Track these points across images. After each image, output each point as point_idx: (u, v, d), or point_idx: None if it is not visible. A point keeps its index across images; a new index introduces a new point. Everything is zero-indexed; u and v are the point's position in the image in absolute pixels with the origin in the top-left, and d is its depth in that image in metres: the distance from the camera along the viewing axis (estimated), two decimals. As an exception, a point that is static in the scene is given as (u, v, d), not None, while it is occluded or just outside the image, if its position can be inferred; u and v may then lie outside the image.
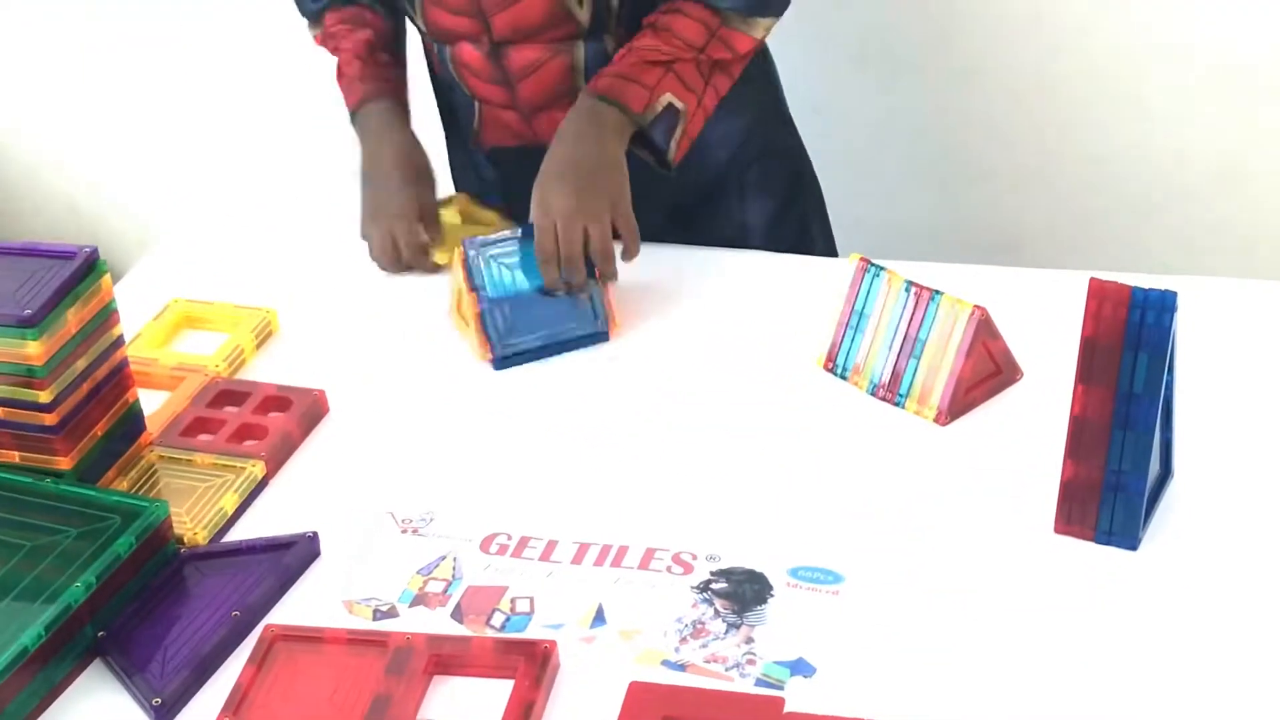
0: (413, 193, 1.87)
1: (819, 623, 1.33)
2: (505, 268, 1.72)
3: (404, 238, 1.86)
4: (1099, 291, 1.35)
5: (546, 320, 1.72)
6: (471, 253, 1.71)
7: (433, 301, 1.83)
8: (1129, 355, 1.35)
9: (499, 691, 1.28)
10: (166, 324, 1.80)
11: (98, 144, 2.94)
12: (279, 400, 1.65)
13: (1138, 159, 2.37)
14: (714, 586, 1.38)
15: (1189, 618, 1.31)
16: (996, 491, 1.46)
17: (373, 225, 1.88)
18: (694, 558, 1.41)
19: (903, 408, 1.58)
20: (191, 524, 1.48)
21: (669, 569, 1.40)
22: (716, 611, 1.35)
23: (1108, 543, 1.39)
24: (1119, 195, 2.41)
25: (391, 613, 1.38)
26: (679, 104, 1.75)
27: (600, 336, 1.73)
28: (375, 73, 1.91)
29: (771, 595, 1.36)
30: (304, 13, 1.99)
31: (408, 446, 1.60)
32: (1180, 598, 1.33)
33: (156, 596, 1.40)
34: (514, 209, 1.89)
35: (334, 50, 1.94)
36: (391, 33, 1.95)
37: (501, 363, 1.70)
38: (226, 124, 2.83)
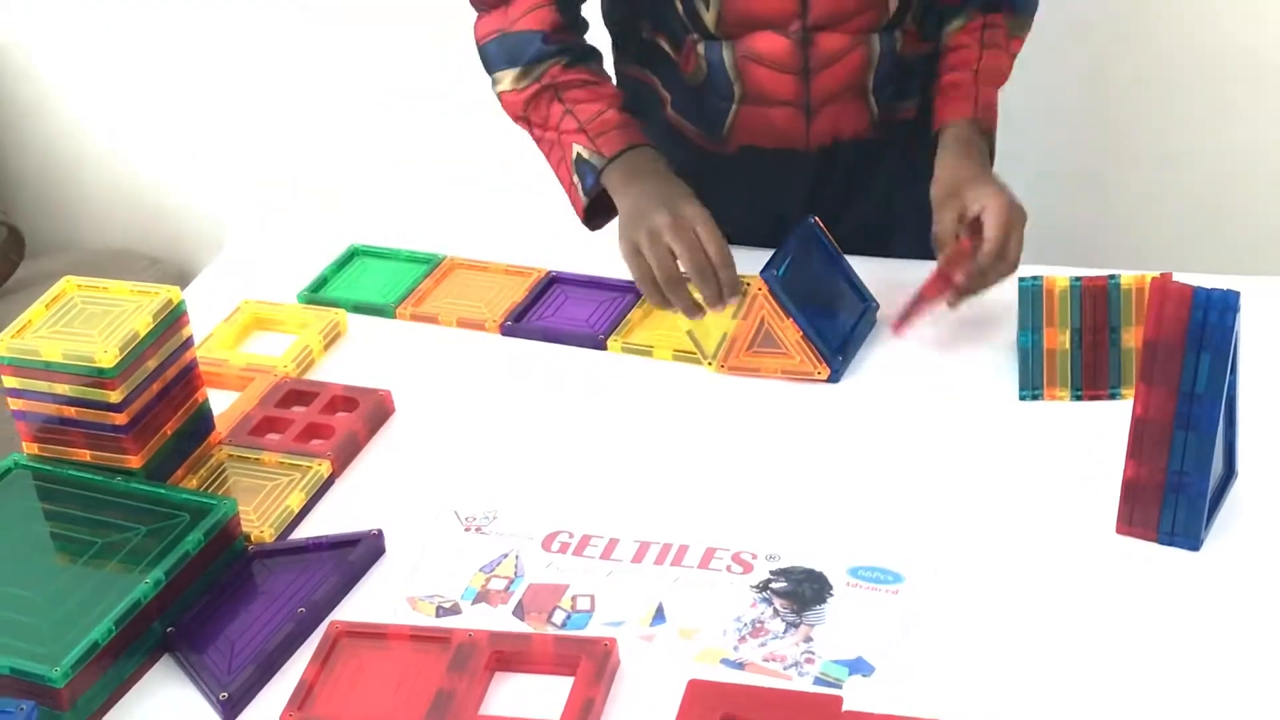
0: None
1: (878, 622, 1.33)
2: (791, 284, 1.65)
3: (706, 234, 1.62)
4: (1161, 291, 1.35)
5: (835, 314, 1.69)
6: (772, 283, 1.63)
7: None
8: (1191, 355, 1.34)
9: (559, 688, 1.29)
10: (237, 325, 1.83)
11: (171, 145, 2.97)
12: (346, 400, 1.66)
13: (1202, 160, 2.35)
14: (773, 586, 1.38)
15: (1252, 619, 1.30)
16: (1058, 492, 1.46)
17: (652, 219, 1.64)
18: (754, 557, 1.41)
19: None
20: (259, 521, 1.50)
21: (729, 568, 1.41)
22: (776, 611, 1.36)
23: (1170, 543, 1.38)
24: (1182, 196, 2.39)
25: (454, 609, 1.40)
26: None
27: (871, 313, 1.72)
28: (631, 121, 1.76)
29: (831, 595, 1.37)
30: (506, 62, 1.78)
31: (471, 446, 1.61)
32: (1243, 599, 1.33)
33: (224, 593, 1.42)
34: (759, 206, 1.84)
35: (561, 101, 1.76)
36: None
37: (838, 374, 1.65)
38: (298, 126, 2.85)
